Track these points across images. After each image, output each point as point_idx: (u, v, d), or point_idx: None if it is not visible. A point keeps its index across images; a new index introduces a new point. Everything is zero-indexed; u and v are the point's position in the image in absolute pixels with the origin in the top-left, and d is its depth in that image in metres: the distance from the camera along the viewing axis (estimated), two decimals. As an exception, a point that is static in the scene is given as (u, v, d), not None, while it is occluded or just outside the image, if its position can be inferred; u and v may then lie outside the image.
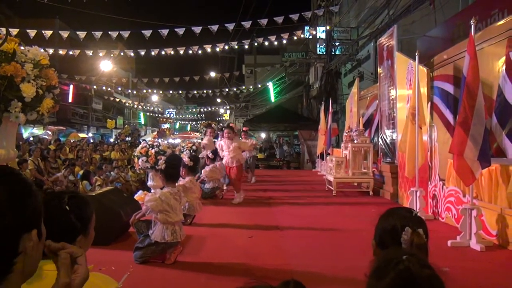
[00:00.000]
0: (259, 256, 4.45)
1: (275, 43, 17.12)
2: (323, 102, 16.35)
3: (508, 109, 5.47)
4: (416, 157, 6.42)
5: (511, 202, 4.75)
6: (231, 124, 9.26)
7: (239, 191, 7.99)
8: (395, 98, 8.48)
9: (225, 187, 9.06)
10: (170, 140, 10.32)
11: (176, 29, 14.63)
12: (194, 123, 48.00)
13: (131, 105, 36.55)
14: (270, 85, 26.37)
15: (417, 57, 6.57)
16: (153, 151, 6.93)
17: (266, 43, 17.13)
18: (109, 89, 29.37)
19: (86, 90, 27.25)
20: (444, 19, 10.39)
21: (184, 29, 14.63)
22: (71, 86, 24.65)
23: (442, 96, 7.26)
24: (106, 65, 24.65)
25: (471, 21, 4.91)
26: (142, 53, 17.74)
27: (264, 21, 14.71)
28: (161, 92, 31.05)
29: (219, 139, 8.62)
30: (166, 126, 37.83)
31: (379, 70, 9.94)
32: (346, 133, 9.96)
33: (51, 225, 1.08)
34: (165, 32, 14.65)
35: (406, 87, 7.64)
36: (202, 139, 14.46)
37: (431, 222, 6.03)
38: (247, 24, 14.88)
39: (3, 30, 2.62)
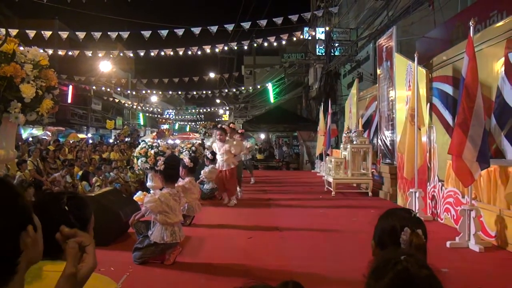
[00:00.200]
0: (258, 257, 4.45)
1: (275, 44, 17.11)
2: (322, 103, 16.36)
3: (507, 110, 5.47)
4: (415, 158, 6.42)
5: (510, 203, 4.76)
6: (231, 125, 9.06)
7: (233, 195, 7.84)
8: (394, 99, 8.48)
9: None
10: (170, 141, 10.28)
11: (175, 30, 14.62)
12: (193, 123, 47.95)
13: (130, 105, 36.48)
14: (269, 86, 26.33)
15: (416, 58, 6.57)
16: (152, 151, 6.92)
17: (266, 44, 17.12)
18: (108, 89, 29.28)
19: (85, 91, 27.24)
20: (443, 20, 10.40)
21: (183, 29, 14.62)
22: (70, 87, 24.59)
23: (441, 97, 7.26)
24: (105, 66, 24.65)
25: (470, 23, 4.92)
26: (142, 53, 17.70)
27: (263, 22, 14.70)
28: (160, 92, 30.99)
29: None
30: (166, 126, 37.75)
31: (378, 71, 9.94)
32: (345, 134, 9.97)
33: (50, 226, 1.08)
34: (164, 32, 14.62)
35: (405, 88, 7.64)
36: (202, 139, 14.51)
37: (430, 223, 6.04)
38: (246, 25, 14.87)
39: (3, 30, 2.63)
